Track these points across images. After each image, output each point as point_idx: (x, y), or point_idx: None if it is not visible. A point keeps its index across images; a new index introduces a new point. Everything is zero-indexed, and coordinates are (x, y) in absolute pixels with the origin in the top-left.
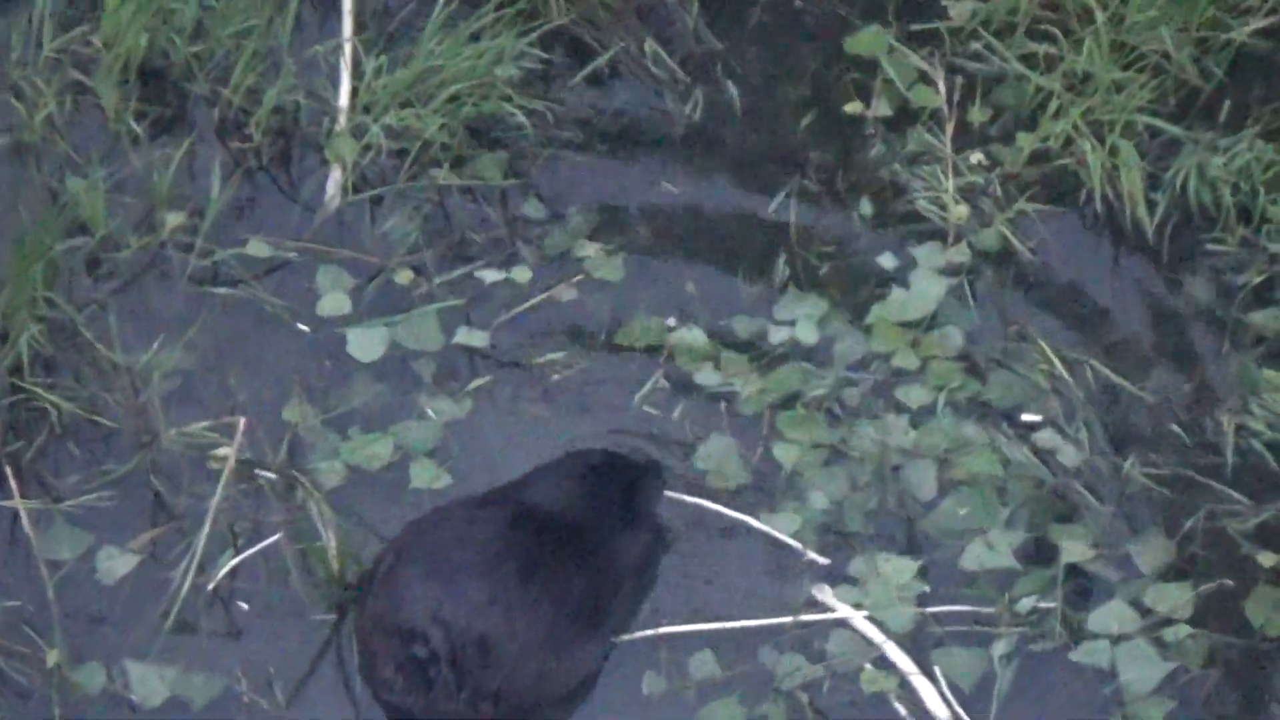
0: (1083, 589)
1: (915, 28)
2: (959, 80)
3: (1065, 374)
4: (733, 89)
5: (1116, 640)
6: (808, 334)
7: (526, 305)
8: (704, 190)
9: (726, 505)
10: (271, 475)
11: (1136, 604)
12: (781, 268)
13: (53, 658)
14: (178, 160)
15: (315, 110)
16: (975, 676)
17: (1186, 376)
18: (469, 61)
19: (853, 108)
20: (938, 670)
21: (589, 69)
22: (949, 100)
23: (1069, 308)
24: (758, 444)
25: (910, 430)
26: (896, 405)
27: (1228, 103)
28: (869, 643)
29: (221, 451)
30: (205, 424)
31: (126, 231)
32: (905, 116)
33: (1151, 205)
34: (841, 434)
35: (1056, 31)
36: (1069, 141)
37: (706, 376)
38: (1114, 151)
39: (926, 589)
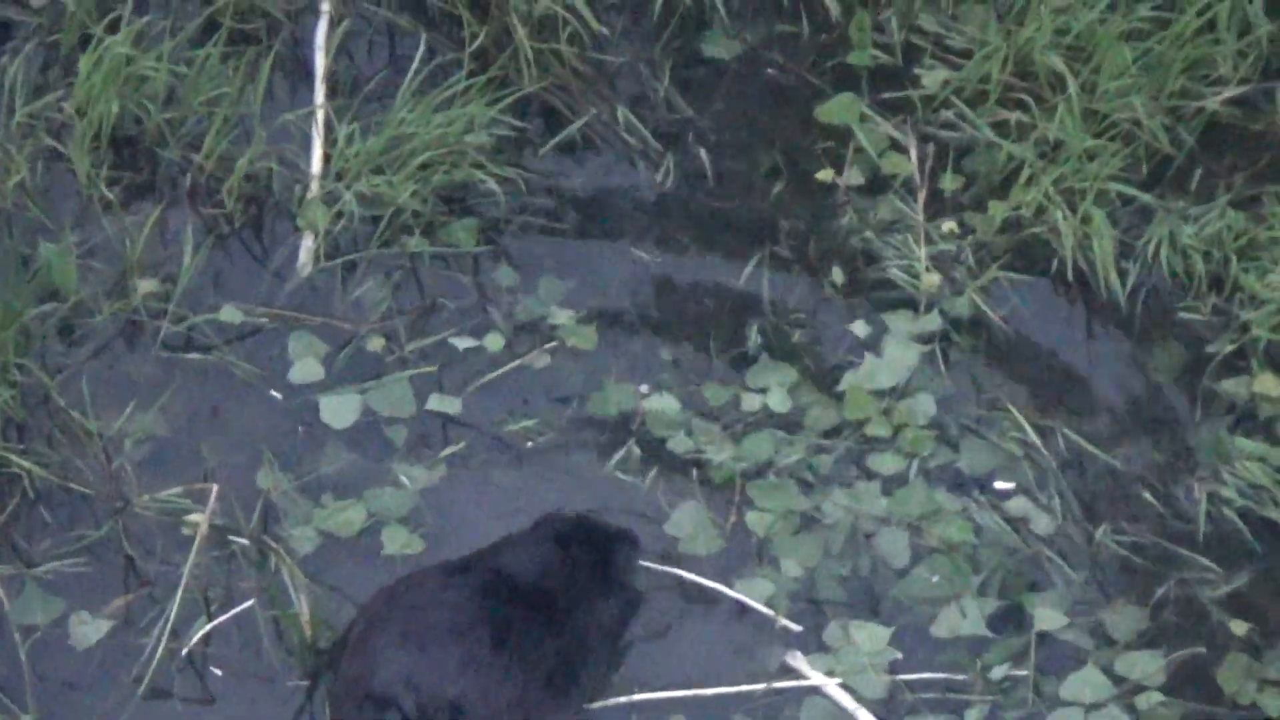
0: (1055, 657)
1: (887, 96)
2: (931, 148)
3: (1037, 442)
4: (704, 156)
5: (1089, 708)
6: (780, 402)
7: (499, 372)
8: (676, 258)
9: (699, 573)
10: (244, 542)
11: (1109, 672)
12: (754, 335)
13: None
14: (150, 227)
15: (287, 177)
16: None
17: (1159, 445)
18: (440, 129)
19: (824, 175)
20: None
21: (561, 136)
22: (921, 168)
23: (1041, 376)
24: (730, 511)
25: (882, 498)
26: (869, 473)
27: (1199, 171)
28: (842, 710)
29: (194, 518)
30: (178, 490)
31: (99, 298)
32: (877, 184)
33: (1123, 273)
34: (814, 501)
35: (1028, 99)
36: (1041, 209)
37: (679, 444)
38: (1086, 219)
39: (899, 656)
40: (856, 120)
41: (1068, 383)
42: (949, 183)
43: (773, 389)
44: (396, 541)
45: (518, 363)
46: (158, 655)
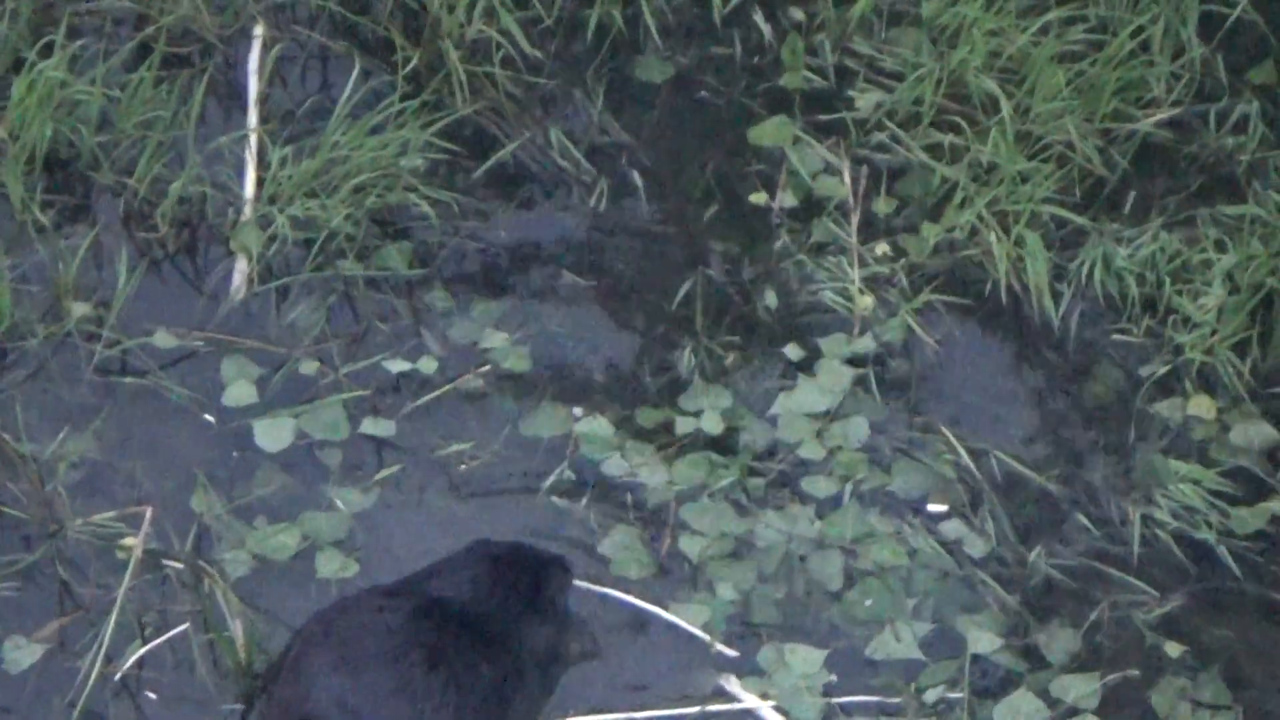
0: (989, 679)
1: (820, 118)
2: (864, 171)
3: (971, 465)
4: (637, 179)
5: None
6: (713, 424)
7: (433, 395)
8: (609, 281)
9: (634, 596)
10: (178, 565)
11: (1043, 694)
12: (687, 358)
13: None
14: (83, 250)
15: (221, 201)
16: None
17: (1092, 467)
18: (374, 152)
19: (757, 198)
20: None
21: (494, 160)
22: (854, 191)
23: (975, 399)
24: (664, 535)
25: (816, 521)
26: (802, 496)
27: (1133, 193)
28: None
29: (128, 541)
30: (112, 514)
31: (32, 321)
32: (810, 207)
33: (1057, 296)
34: (748, 525)
35: (962, 122)
36: (974, 232)
37: (613, 467)
38: (1019, 242)
39: (833, 679)
40: (790, 143)
41: (1001, 405)
42: (882, 205)
43: (706, 412)
44: (330, 565)
45: (452, 386)
46: (92, 679)
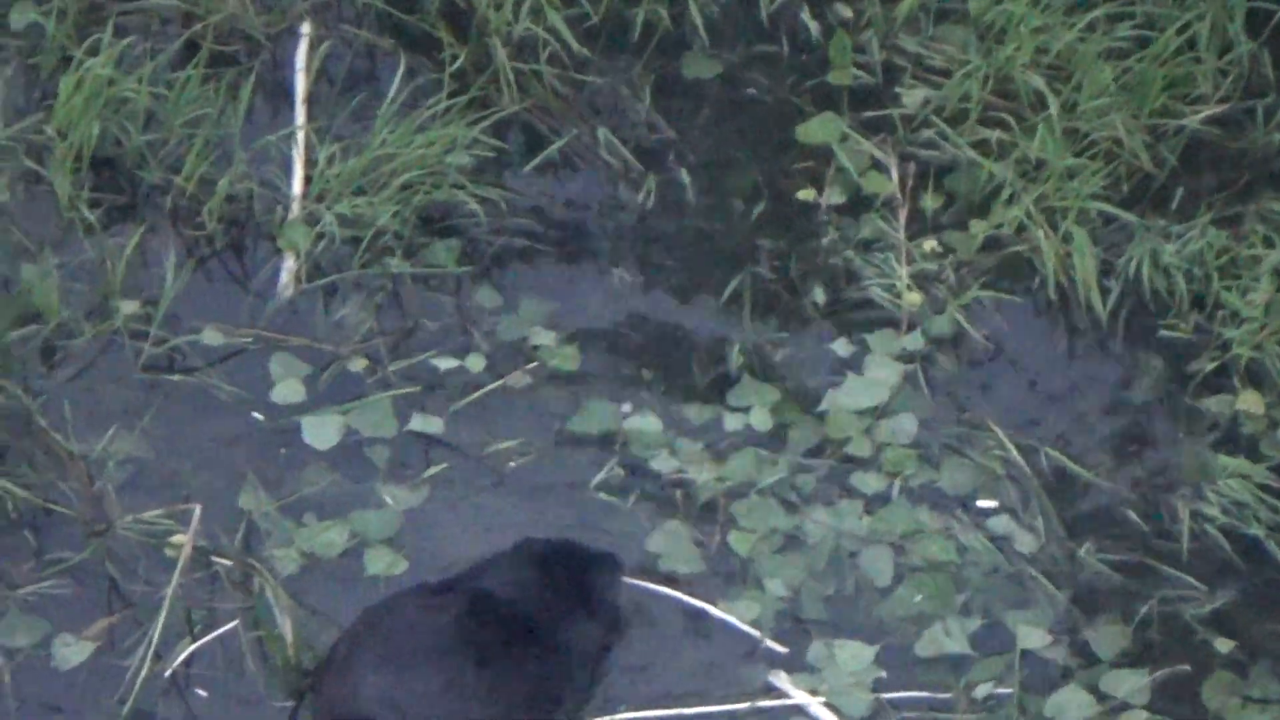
0: (1039, 675)
1: (868, 115)
2: (912, 167)
3: (1020, 460)
4: (685, 177)
5: None
6: (762, 421)
7: (481, 393)
8: (657, 278)
9: (683, 592)
10: (227, 563)
11: (1093, 690)
12: (735, 355)
13: None
14: (131, 248)
15: (268, 199)
16: None
17: (1141, 463)
18: (421, 150)
19: (805, 195)
20: None
21: (542, 157)
22: (902, 187)
23: (1023, 394)
24: (713, 531)
25: (865, 517)
26: (851, 492)
27: (1180, 189)
28: None
29: (177, 539)
30: (160, 512)
31: (80, 320)
32: (858, 204)
33: (1105, 292)
34: (797, 521)
35: (1009, 119)
36: (1022, 228)
37: (661, 464)
38: (1067, 238)
39: (883, 675)
40: (837, 140)
41: (1050, 401)
42: (930, 202)
43: (755, 408)
44: (379, 562)
45: (499, 383)
46: (141, 677)
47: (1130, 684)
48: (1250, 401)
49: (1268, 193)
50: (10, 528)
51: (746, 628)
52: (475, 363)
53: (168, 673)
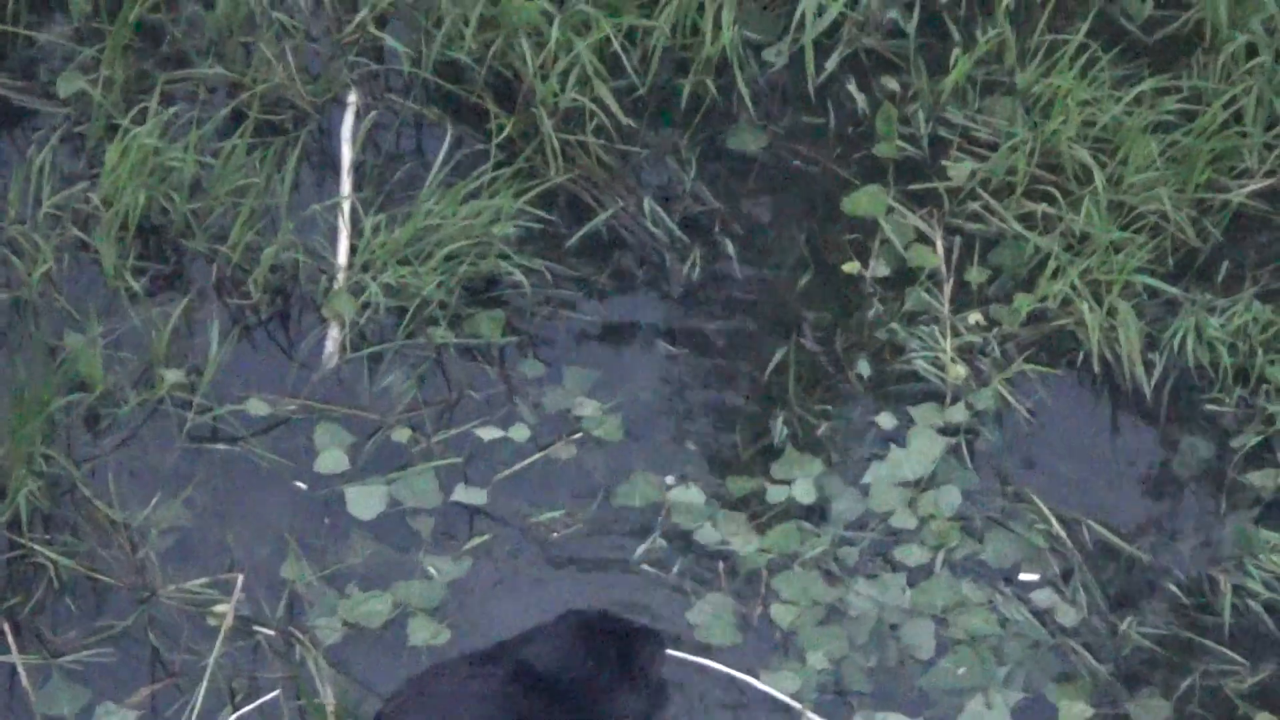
0: None
1: (913, 188)
2: (957, 240)
3: (1063, 534)
4: (730, 248)
5: None
6: (805, 493)
7: (525, 463)
8: (702, 349)
9: (726, 664)
10: (270, 632)
11: None
12: (779, 427)
13: None
14: (176, 317)
15: (313, 268)
16: None
17: (1184, 537)
18: (466, 220)
19: (850, 267)
20: None
21: (587, 228)
22: (947, 260)
23: (1066, 468)
24: (756, 603)
25: (908, 589)
26: (894, 565)
27: (1225, 263)
28: None
29: (220, 608)
30: (203, 580)
31: (125, 388)
32: (903, 276)
33: (1149, 365)
34: (839, 593)
35: (1055, 192)
36: (1067, 302)
37: (705, 535)
38: (1112, 312)
39: None
40: (883, 212)
41: (1093, 475)
42: (975, 275)
43: (798, 481)
44: (422, 633)
45: (543, 454)
46: None
47: None
48: None
49: None
50: (54, 595)
51: (789, 700)
52: (519, 433)
53: None
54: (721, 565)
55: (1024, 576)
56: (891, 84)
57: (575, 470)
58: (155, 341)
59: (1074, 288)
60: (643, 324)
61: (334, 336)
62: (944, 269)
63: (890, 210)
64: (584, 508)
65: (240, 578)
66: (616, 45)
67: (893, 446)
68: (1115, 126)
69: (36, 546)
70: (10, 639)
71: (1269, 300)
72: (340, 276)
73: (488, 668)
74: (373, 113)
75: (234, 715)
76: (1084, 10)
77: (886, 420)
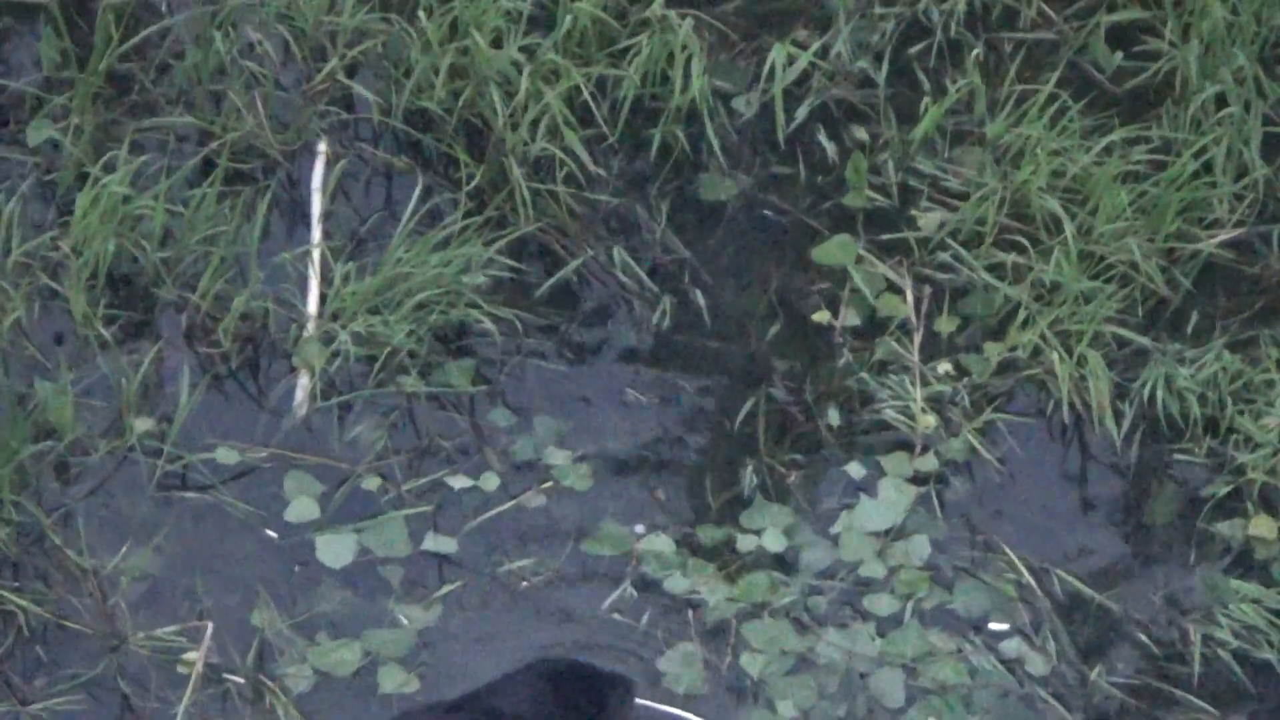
0: None
1: (883, 237)
2: (927, 290)
3: (1032, 583)
4: (700, 298)
5: None
6: (775, 543)
7: (494, 512)
8: (671, 399)
9: (695, 713)
10: (240, 680)
11: None
12: (749, 476)
13: None
14: (146, 365)
15: (283, 317)
16: None
17: (1154, 586)
18: (437, 269)
19: (820, 317)
20: None
21: (557, 277)
22: (917, 310)
23: (1036, 517)
24: (725, 652)
25: (877, 639)
26: (864, 614)
27: (1195, 313)
28: None
29: (189, 656)
30: (173, 628)
31: (94, 436)
32: (873, 326)
33: (1119, 415)
34: (808, 643)
35: (1024, 242)
36: (1037, 351)
37: (674, 584)
38: (1082, 361)
39: None
40: (853, 261)
41: (1063, 524)
42: (945, 324)
43: (768, 530)
44: (392, 681)
45: (513, 503)
46: None
47: None
48: (1263, 526)
49: None
50: (23, 643)
51: None
52: (489, 482)
53: None
54: (691, 614)
55: (993, 626)
56: (861, 134)
57: (545, 519)
58: (125, 389)
59: (1044, 337)
60: (612, 373)
61: (304, 385)
62: (914, 318)
63: (860, 260)
64: (554, 556)
65: (210, 626)
66: (586, 95)
67: (862, 496)
68: (1085, 176)
69: (6, 594)
70: None
71: (1238, 350)
72: (310, 325)
73: (458, 716)
74: (343, 161)
75: None
76: (1054, 61)
77: (856, 470)
